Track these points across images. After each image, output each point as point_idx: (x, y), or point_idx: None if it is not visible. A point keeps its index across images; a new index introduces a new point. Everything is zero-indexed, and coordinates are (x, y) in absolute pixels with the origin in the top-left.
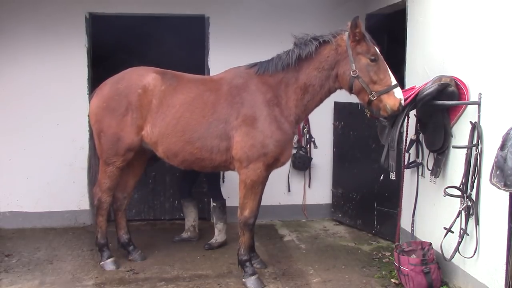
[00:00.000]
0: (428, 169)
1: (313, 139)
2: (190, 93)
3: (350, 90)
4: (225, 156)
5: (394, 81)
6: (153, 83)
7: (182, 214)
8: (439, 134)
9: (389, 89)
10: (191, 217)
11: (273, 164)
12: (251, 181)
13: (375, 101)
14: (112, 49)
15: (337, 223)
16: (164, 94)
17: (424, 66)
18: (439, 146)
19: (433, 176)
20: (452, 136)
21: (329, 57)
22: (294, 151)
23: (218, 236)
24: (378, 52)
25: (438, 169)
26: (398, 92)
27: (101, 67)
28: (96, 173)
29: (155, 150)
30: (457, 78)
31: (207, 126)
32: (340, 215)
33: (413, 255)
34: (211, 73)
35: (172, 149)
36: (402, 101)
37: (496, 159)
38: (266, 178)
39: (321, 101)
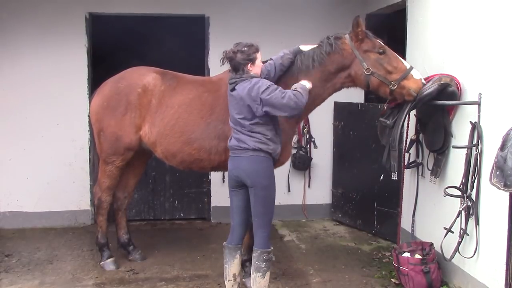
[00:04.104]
0: (428, 169)
1: (313, 139)
2: (189, 94)
3: (367, 88)
4: (224, 157)
5: (408, 65)
6: (153, 83)
7: (182, 214)
8: (439, 134)
9: (406, 73)
10: None
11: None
12: None
13: (397, 90)
14: (112, 49)
15: (337, 223)
16: (163, 95)
17: (424, 66)
18: (439, 146)
19: (433, 176)
20: (452, 136)
21: (334, 61)
22: (294, 151)
23: None
24: (382, 43)
25: (438, 169)
26: (416, 73)
27: (101, 67)
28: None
29: (153, 150)
30: (452, 76)
31: (205, 127)
32: (340, 215)
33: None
34: (211, 73)
35: (170, 150)
36: (423, 80)
37: (496, 159)
38: None
39: (323, 101)
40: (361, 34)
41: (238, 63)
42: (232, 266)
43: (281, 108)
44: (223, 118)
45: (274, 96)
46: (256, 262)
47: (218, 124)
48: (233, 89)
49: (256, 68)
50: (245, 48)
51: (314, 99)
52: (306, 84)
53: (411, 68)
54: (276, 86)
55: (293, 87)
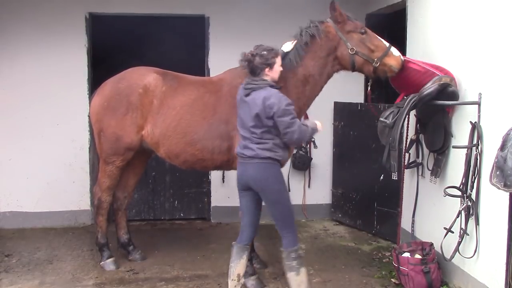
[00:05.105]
0: (428, 169)
1: (313, 139)
2: (191, 95)
3: (353, 68)
4: (227, 156)
5: (387, 43)
6: (154, 83)
7: (182, 214)
8: (439, 134)
9: (387, 51)
10: None
11: None
12: None
13: (380, 67)
14: (112, 49)
15: (337, 223)
16: (165, 95)
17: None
18: (439, 146)
19: (433, 176)
20: (452, 136)
21: (323, 45)
22: (294, 151)
23: None
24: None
25: (439, 169)
26: (395, 51)
27: (101, 67)
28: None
29: (156, 150)
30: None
31: (207, 128)
32: (340, 215)
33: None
34: (211, 73)
35: (173, 151)
36: (402, 57)
37: (496, 160)
38: None
39: (321, 88)
40: (340, 17)
41: (256, 66)
42: (238, 266)
43: (288, 139)
44: (225, 118)
45: (289, 131)
46: (287, 263)
47: (220, 124)
48: (247, 95)
49: (273, 73)
50: (264, 52)
51: (314, 88)
52: (317, 125)
53: (390, 46)
54: (293, 115)
55: (305, 122)
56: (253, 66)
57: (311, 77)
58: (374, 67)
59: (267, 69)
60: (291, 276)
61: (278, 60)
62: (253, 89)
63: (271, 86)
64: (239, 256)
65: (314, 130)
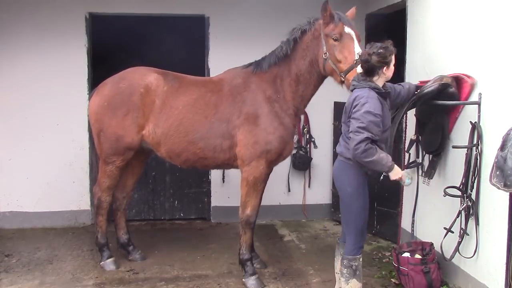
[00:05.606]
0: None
1: (313, 139)
2: (192, 95)
3: (325, 73)
4: (228, 155)
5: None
6: (156, 83)
7: (182, 214)
8: (436, 135)
9: (353, 67)
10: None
11: (276, 160)
12: (254, 178)
13: (346, 82)
14: (112, 49)
15: (337, 223)
16: (167, 95)
17: (424, 66)
18: (435, 148)
19: (426, 178)
20: (449, 139)
21: (309, 43)
22: (294, 151)
23: None
24: (346, 31)
25: (432, 171)
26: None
27: (101, 67)
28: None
29: (156, 150)
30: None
31: (209, 127)
32: (340, 215)
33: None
34: (211, 73)
35: (175, 150)
36: None
37: (496, 159)
38: (267, 176)
39: (315, 88)
40: (326, 18)
41: (374, 66)
42: (337, 261)
43: (350, 147)
44: (226, 117)
45: (351, 137)
46: (340, 267)
47: (222, 123)
48: (352, 91)
49: (389, 72)
50: (381, 50)
51: (307, 87)
52: (395, 170)
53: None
54: (363, 125)
55: (383, 155)
56: (371, 66)
57: (301, 76)
58: (341, 79)
59: (385, 68)
60: (342, 282)
61: (393, 59)
62: (356, 86)
63: (372, 88)
64: (338, 252)
65: (386, 167)
